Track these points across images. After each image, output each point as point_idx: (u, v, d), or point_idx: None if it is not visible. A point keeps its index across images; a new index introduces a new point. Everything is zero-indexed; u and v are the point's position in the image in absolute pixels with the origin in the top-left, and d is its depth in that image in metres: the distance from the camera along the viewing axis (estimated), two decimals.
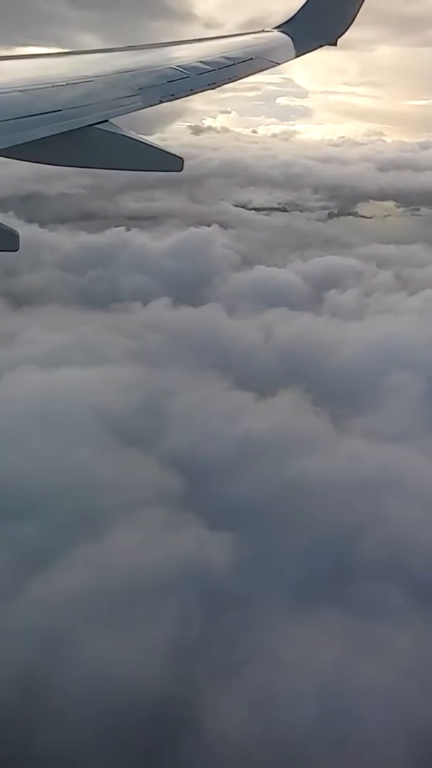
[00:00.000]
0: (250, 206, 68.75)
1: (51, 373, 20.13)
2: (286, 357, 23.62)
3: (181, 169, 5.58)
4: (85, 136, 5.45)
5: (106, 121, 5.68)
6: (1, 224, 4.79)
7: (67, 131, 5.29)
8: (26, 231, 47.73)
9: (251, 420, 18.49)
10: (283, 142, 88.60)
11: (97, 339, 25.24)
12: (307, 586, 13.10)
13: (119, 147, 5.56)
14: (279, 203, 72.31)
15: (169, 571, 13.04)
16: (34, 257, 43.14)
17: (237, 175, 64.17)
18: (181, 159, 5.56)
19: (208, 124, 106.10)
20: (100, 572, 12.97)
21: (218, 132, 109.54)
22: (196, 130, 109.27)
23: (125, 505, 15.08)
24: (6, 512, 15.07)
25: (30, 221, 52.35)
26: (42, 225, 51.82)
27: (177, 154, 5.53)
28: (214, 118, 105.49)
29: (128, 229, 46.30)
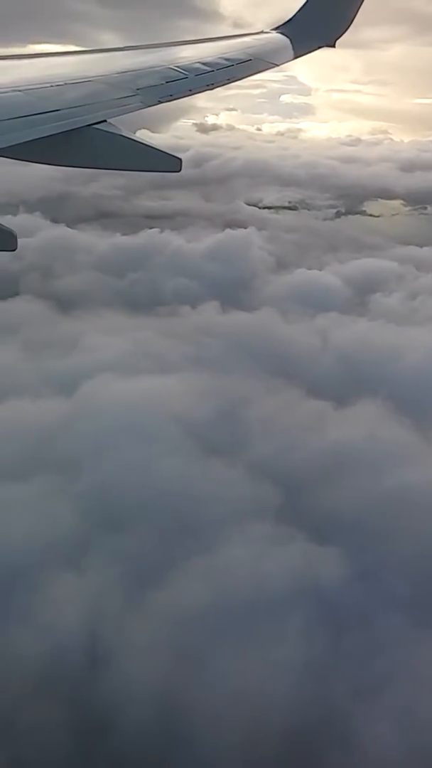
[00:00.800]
0: (260, 205, 68.81)
1: (129, 381, 20.10)
2: (351, 364, 23.56)
3: (179, 170, 5.55)
4: (83, 137, 5.43)
5: (105, 121, 5.67)
6: (165, 152, 4.96)
7: (66, 131, 5.28)
8: (57, 232, 47.84)
9: (336, 430, 18.46)
10: (300, 142, 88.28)
11: (157, 344, 25.18)
12: (423, 602, 13.08)
13: (117, 147, 5.54)
14: (289, 201, 72.37)
15: (284, 587, 13.01)
16: (69, 258, 43.14)
17: (262, 175, 64.01)
18: (179, 159, 5.56)
19: (213, 122, 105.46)
20: (217, 587, 12.95)
21: (224, 129, 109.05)
22: (202, 128, 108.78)
23: (227, 517, 15.03)
24: (107, 524, 15.06)
25: (57, 221, 52.55)
26: (71, 225, 51.91)
27: (175, 154, 5.46)
28: (217, 115, 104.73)
29: (162, 231, 46.30)
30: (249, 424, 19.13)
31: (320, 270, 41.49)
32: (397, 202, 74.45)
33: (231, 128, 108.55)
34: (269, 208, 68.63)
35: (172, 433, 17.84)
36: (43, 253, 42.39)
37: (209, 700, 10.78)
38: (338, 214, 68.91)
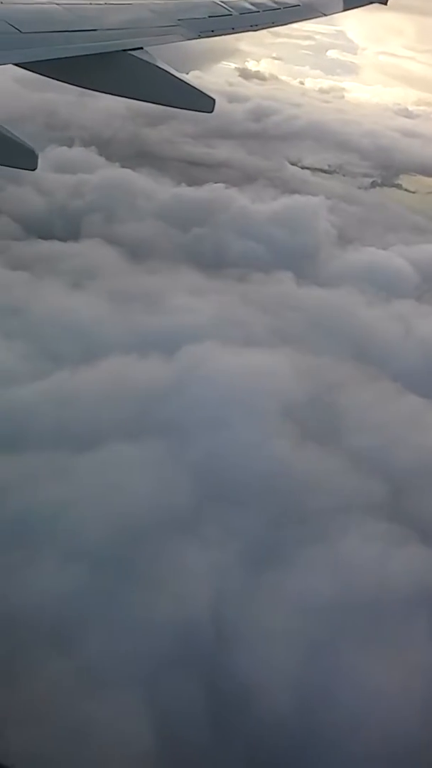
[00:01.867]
0: (300, 164, 67.45)
1: (228, 351, 19.94)
2: None
3: (212, 111, 5.45)
4: (117, 62, 5.23)
5: (141, 48, 5.49)
6: (21, 141, 4.64)
7: (100, 53, 5.10)
8: (117, 172, 46.80)
9: None
10: (353, 105, 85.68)
11: (241, 312, 24.95)
12: None
13: (151, 77, 5.34)
14: (329, 165, 70.98)
15: (407, 589, 13.21)
16: (130, 203, 42.35)
17: (325, 138, 62.56)
18: (213, 100, 5.46)
19: (255, 69, 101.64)
20: (342, 581, 13.14)
21: (266, 79, 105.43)
22: (244, 74, 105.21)
23: (338, 508, 15.15)
24: (220, 497, 15.14)
25: (112, 160, 51.44)
26: (128, 166, 50.76)
27: (210, 94, 5.42)
28: (258, 61, 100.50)
29: (227, 187, 45.40)
30: (346, 412, 19.13)
31: (385, 250, 41.05)
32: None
33: (274, 78, 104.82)
34: (308, 168, 67.41)
35: (274, 412, 17.84)
36: (103, 193, 41.50)
37: (347, 697, 11.07)
38: (373, 185, 67.94)
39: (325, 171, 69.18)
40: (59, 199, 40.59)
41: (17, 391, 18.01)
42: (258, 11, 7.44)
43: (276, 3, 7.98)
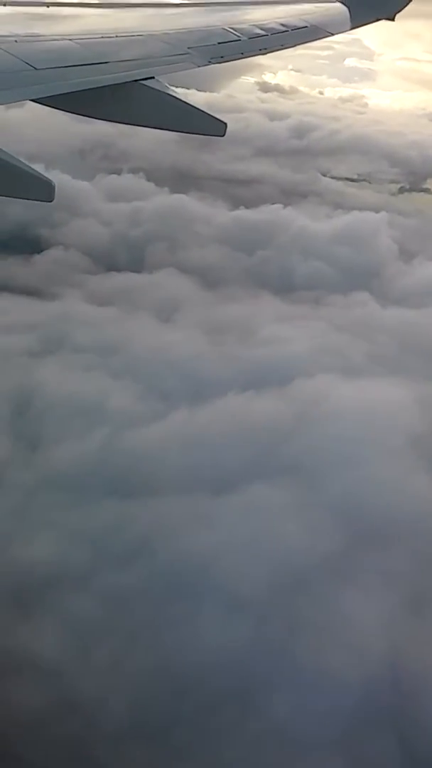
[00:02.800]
0: (329, 174, 67.43)
1: (342, 382, 19.82)
2: None
3: (224, 134, 5.53)
4: (129, 92, 5.33)
5: (153, 78, 5.57)
6: (38, 173, 4.66)
7: (112, 85, 5.16)
8: (171, 198, 47.19)
9: None
10: (388, 115, 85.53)
11: (335, 339, 24.78)
12: None
13: (163, 105, 5.45)
14: (358, 174, 70.93)
15: None
16: (189, 229, 42.64)
17: (372, 151, 62.48)
18: (224, 124, 5.57)
19: (276, 82, 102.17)
20: None
21: (286, 91, 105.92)
22: (264, 88, 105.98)
23: None
24: (366, 540, 14.93)
25: (161, 185, 51.90)
26: (178, 191, 51.18)
27: (220, 119, 5.51)
28: (274, 74, 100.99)
29: (284, 207, 45.52)
30: None
31: None
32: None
33: (294, 91, 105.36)
34: (335, 178, 67.42)
35: (404, 446, 17.57)
36: (161, 220, 41.85)
37: None
38: (401, 190, 67.76)
39: (350, 179, 69.44)
40: (119, 229, 41.00)
41: (139, 434, 18.03)
42: (266, 35, 7.66)
43: (284, 26, 8.16)
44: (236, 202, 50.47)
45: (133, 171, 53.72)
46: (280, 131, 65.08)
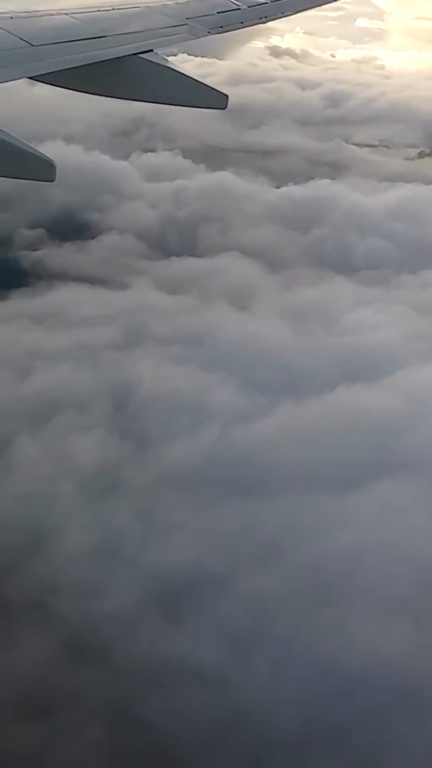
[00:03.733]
0: (350, 141, 66.28)
1: None
2: None
3: (225, 107, 5.41)
4: (127, 66, 5.22)
5: (151, 50, 5.48)
6: (38, 153, 4.68)
7: (110, 59, 5.08)
8: (214, 177, 46.58)
9: None
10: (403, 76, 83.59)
11: (424, 324, 24.47)
12: None
13: (163, 79, 5.35)
14: (380, 140, 69.72)
15: None
16: (237, 208, 42.07)
17: (413, 119, 61.40)
18: (226, 96, 5.46)
19: (286, 46, 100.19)
20: None
21: (297, 56, 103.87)
22: (275, 52, 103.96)
23: None
24: None
25: (198, 162, 51.20)
26: (215, 168, 50.49)
27: (222, 91, 5.47)
28: (281, 37, 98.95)
29: (333, 182, 44.88)
30: None
31: None
32: None
33: (306, 55, 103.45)
34: (357, 145, 66.33)
35: None
36: (207, 200, 41.34)
37: None
38: (421, 155, 66.59)
39: (369, 145, 68.14)
40: (167, 210, 40.55)
41: (249, 429, 18.00)
42: (266, 2, 7.55)
43: None
44: (279, 178, 49.91)
45: (169, 148, 53.34)
46: (314, 101, 63.97)
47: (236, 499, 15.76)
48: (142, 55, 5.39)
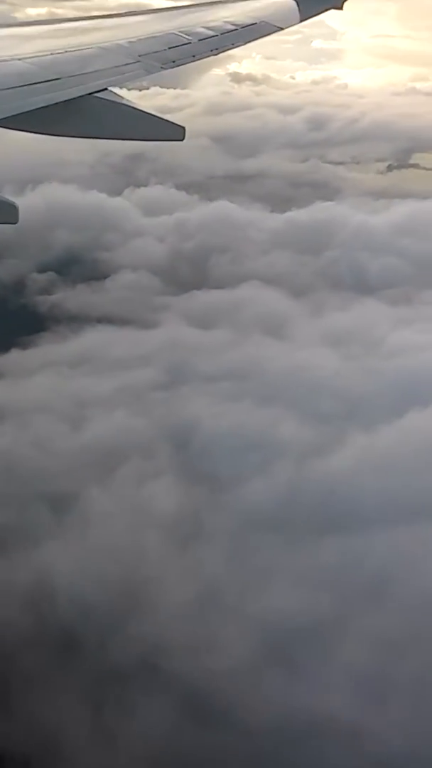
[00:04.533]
0: (324, 160, 67.06)
1: None
2: None
3: (183, 138, 5.57)
4: (84, 105, 5.42)
5: (106, 89, 5.67)
6: (167, 120, 5.05)
7: (66, 100, 5.26)
8: (212, 207, 46.70)
9: None
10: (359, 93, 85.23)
11: None
12: None
13: (119, 116, 5.55)
14: (351, 157, 70.82)
15: None
16: (243, 236, 42.14)
17: (399, 138, 62.36)
18: (183, 128, 5.60)
19: (246, 72, 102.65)
20: None
21: (258, 80, 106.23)
22: (236, 78, 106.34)
23: None
24: None
25: (192, 193, 51.40)
26: (211, 198, 50.66)
27: (178, 123, 5.61)
28: (239, 63, 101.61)
29: (336, 203, 45.24)
30: None
31: None
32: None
33: (267, 79, 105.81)
34: (330, 163, 67.16)
35: None
36: (212, 230, 41.47)
37: None
38: (390, 168, 67.62)
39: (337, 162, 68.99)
40: (174, 244, 40.58)
41: (324, 463, 17.67)
42: (216, 35, 7.78)
43: (233, 25, 8.30)
44: (274, 203, 50.42)
45: (160, 182, 53.53)
46: (297, 125, 64.90)
47: (330, 535, 15.40)
48: (97, 94, 5.57)
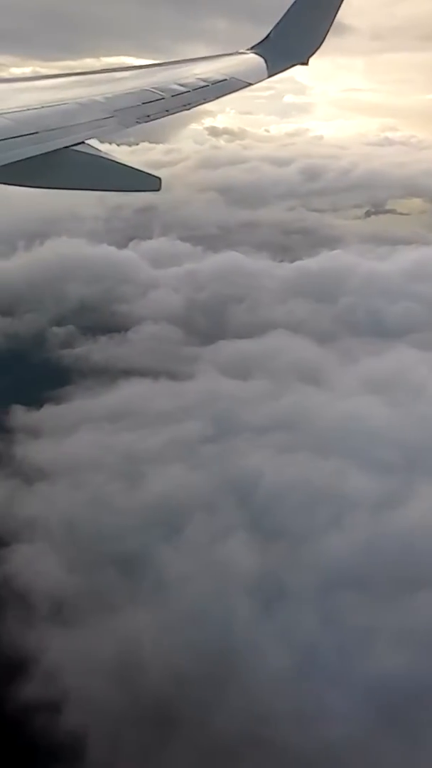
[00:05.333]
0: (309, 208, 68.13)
1: None
2: None
3: (159, 189, 5.80)
4: (61, 158, 5.65)
5: (83, 143, 5.92)
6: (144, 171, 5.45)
7: (43, 153, 5.48)
8: (223, 258, 46.99)
9: None
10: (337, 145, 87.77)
11: None
12: None
13: (96, 168, 5.78)
14: (330, 205, 72.17)
15: None
16: (255, 285, 42.22)
17: (394, 185, 63.72)
18: (159, 179, 5.82)
19: (224, 126, 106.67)
20: None
21: (235, 133, 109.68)
22: (214, 132, 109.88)
23: None
24: None
25: (195, 244, 51.76)
26: (213, 249, 51.00)
27: (154, 173, 5.76)
28: (213, 117, 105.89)
29: (343, 251, 45.73)
30: None
31: None
32: (416, 200, 72.07)
33: (243, 132, 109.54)
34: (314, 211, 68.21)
35: None
36: (225, 280, 41.59)
37: None
38: (368, 214, 69.14)
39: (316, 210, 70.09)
40: (188, 294, 40.69)
41: (399, 515, 17.22)
42: (188, 91, 8.11)
43: (204, 81, 8.66)
44: (274, 251, 50.89)
45: (164, 234, 53.91)
46: (292, 176, 66.17)
47: (421, 591, 14.90)
48: (75, 147, 5.75)
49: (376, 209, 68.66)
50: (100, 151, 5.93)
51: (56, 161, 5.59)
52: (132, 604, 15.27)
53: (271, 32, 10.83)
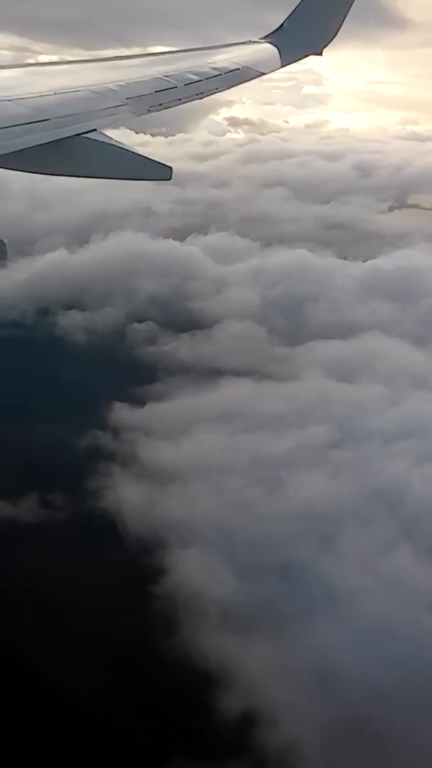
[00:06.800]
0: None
1: None
2: None
3: (170, 178, 5.78)
4: (73, 146, 5.68)
5: (95, 130, 5.95)
6: (155, 160, 5.52)
7: (55, 140, 5.49)
8: (290, 255, 46.53)
9: None
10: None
11: None
12: None
13: (107, 156, 5.78)
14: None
15: None
16: (329, 284, 41.76)
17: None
18: (170, 168, 5.81)
19: (245, 117, 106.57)
20: None
21: (255, 124, 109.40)
22: (233, 123, 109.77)
23: None
24: None
25: (254, 240, 51.37)
26: (269, 245, 50.55)
27: (165, 163, 5.81)
28: (229, 108, 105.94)
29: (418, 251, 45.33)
30: None
31: None
32: None
33: (263, 123, 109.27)
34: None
35: None
36: (295, 279, 41.24)
37: None
38: (391, 209, 67.66)
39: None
40: (261, 292, 40.35)
41: None
42: (201, 80, 8.10)
43: (217, 70, 8.63)
44: (344, 251, 50.42)
45: (221, 229, 53.48)
46: (345, 172, 65.71)
47: None
48: (86, 135, 5.76)
49: None
50: (111, 138, 5.94)
51: (67, 149, 5.61)
52: (311, 616, 15.10)
53: (284, 22, 10.75)
